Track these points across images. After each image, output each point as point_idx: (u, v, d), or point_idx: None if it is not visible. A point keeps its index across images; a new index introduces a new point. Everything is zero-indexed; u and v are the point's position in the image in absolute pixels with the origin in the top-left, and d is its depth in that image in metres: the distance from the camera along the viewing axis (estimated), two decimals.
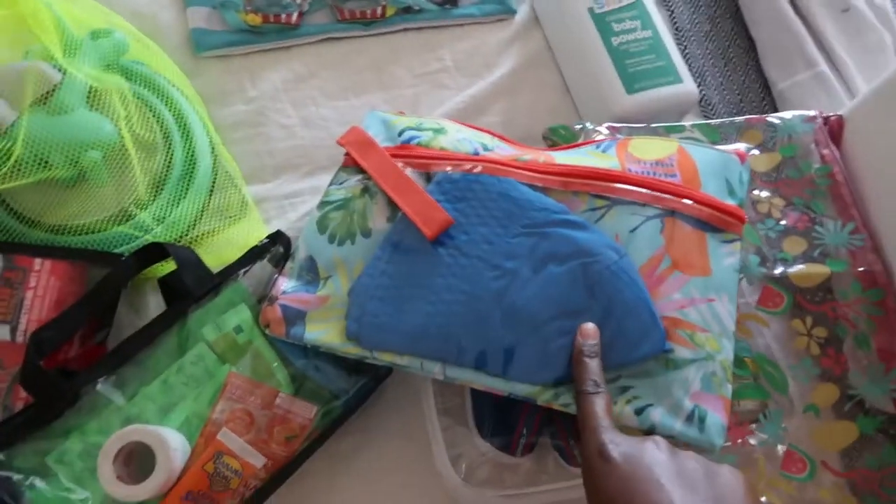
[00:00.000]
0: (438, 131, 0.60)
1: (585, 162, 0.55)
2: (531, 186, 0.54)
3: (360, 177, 0.59)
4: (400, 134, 0.60)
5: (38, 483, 0.52)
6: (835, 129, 0.65)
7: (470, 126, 0.62)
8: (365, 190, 0.58)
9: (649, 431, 0.46)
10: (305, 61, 0.75)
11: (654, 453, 0.39)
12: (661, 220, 0.51)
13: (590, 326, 0.48)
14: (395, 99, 0.75)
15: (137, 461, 0.53)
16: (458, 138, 0.59)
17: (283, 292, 0.56)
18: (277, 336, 0.56)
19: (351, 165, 0.60)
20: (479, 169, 0.55)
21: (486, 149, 0.58)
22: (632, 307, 0.49)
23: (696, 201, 0.51)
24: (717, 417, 0.46)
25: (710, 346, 0.47)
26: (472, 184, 0.55)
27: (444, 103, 0.75)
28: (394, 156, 0.58)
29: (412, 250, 0.54)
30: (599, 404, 0.43)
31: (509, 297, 0.51)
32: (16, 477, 0.51)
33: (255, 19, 0.74)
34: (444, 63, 0.78)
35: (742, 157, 0.55)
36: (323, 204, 0.59)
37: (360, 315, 0.54)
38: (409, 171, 0.57)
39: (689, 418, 0.46)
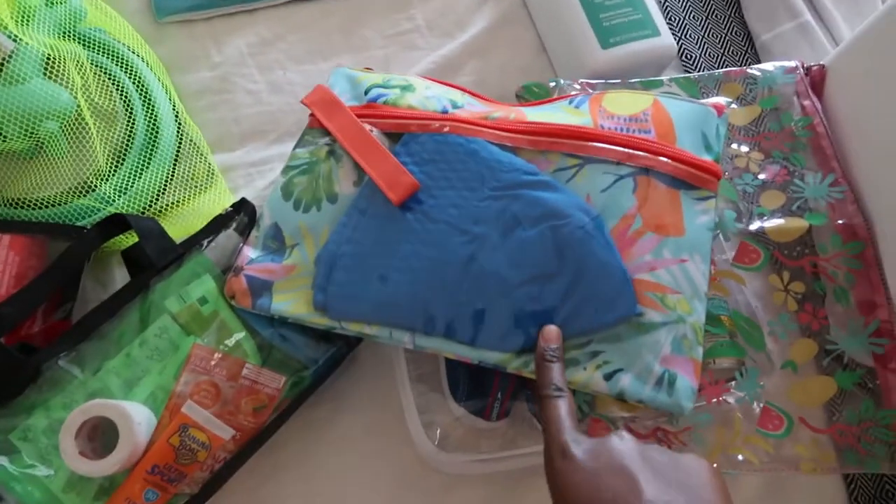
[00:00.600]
0: (406, 88, 0.58)
1: (557, 119, 0.53)
2: (501, 146, 0.52)
3: (325, 139, 0.57)
4: (366, 92, 0.58)
5: (2, 461, 0.51)
6: (816, 80, 0.63)
7: (440, 82, 0.60)
8: (331, 153, 0.56)
9: (619, 397, 0.45)
10: (271, 25, 0.73)
11: (618, 444, 0.38)
12: (634, 179, 0.49)
13: (552, 329, 0.47)
14: (365, 61, 0.73)
15: (103, 436, 0.52)
16: (427, 95, 0.57)
17: (249, 262, 0.55)
18: (244, 307, 0.55)
19: (316, 127, 0.58)
20: (447, 129, 0.54)
21: (455, 106, 0.56)
22: (602, 270, 0.47)
23: (670, 158, 0.49)
24: (686, 381, 0.45)
25: (681, 308, 0.46)
26: (440, 144, 0.53)
27: (415, 64, 0.73)
28: (360, 116, 0.56)
29: (379, 216, 0.53)
30: (562, 408, 0.42)
31: (478, 263, 0.50)
32: None
33: None
34: (415, 23, 0.76)
35: (720, 109, 0.53)
36: (287, 168, 0.57)
37: (326, 285, 0.53)
38: (375, 133, 0.55)
39: (659, 382, 0.45)
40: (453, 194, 0.52)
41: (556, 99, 0.57)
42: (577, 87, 0.62)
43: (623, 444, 0.39)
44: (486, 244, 0.50)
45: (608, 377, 0.45)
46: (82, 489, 0.51)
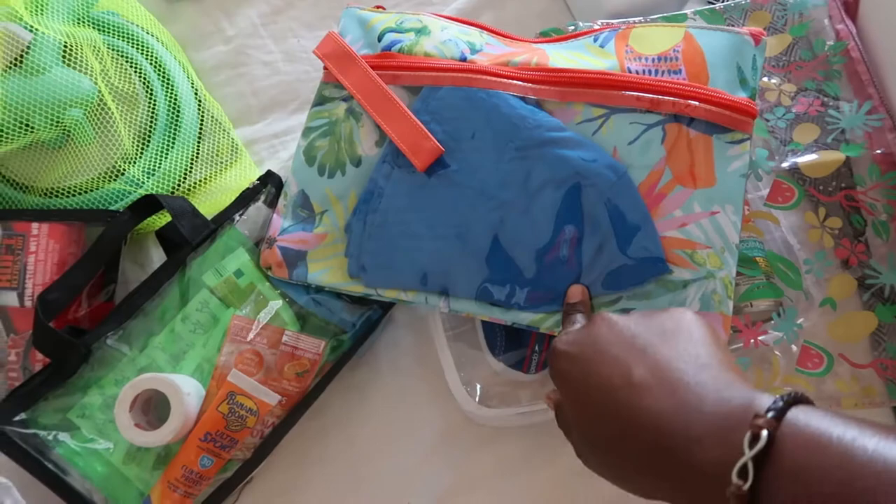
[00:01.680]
0: (421, 32, 0.55)
1: (581, 63, 0.51)
2: (523, 99, 0.51)
3: (342, 94, 0.56)
4: (380, 38, 0.56)
5: (63, 438, 0.54)
6: (850, 2, 0.60)
7: (455, 20, 0.57)
8: (349, 111, 0.55)
9: None
10: None
11: (605, 332, 0.37)
12: (663, 129, 0.48)
13: (576, 287, 0.47)
14: None
15: (155, 409, 0.55)
16: (443, 39, 0.54)
17: (281, 232, 0.56)
18: (281, 279, 0.56)
19: (332, 81, 0.57)
20: (466, 81, 0.52)
21: (473, 50, 0.54)
22: (631, 230, 0.47)
23: (702, 101, 0.47)
24: None
25: (711, 263, 0.45)
26: (461, 100, 0.52)
27: None
28: (375, 67, 0.54)
29: (404, 181, 0.53)
30: None
31: (507, 228, 0.50)
32: (42, 434, 0.53)
33: None
34: None
35: (757, 38, 0.50)
36: (308, 130, 0.57)
37: (358, 254, 0.53)
38: (392, 88, 0.54)
39: None
40: (478, 158, 0.51)
41: (580, 34, 0.54)
42: (597, 27, 0.60)
43: (611, 331, 0.37)
44: (514, 209, 0.50)
45: None
46: (141, 460, 0.54)
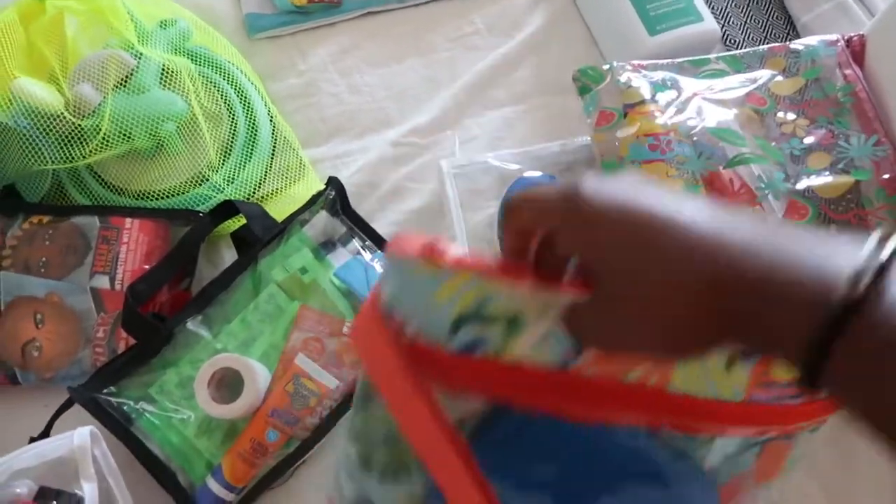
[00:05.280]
0: (514, 325, 0.33)
1: (705, 389, 0.37)
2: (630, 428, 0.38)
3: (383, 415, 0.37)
4: (455, 327, 0.33)
5: (145, 410, 0.59)
6: (857, 50, 0.67)
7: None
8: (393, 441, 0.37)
9: None
10: (349, 35, 0.82)
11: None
12: (761, 447, 0.41)
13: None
14: (432, 64, 0.81)
15: (226, 388, 0.60)
16: (542, 333, 0.33)
17: None
18: None
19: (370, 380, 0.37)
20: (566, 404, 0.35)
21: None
22: None
23: (810, 419, 0.40)
24: None
25: None
26: (548, 434, 0.36)
27: (477, 63, 0.80)
28: (441, 376, 0.34)
29: None
30: None
31: None
32: (128, 405, 0.59)
33: (301, 1, 0.81)
34: (475, 26, 0.83)
35: None
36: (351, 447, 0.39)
37: None
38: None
39: None
40: None
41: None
42: (629, 67, 0.68)
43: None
44: None
45: None
46: (211, 435, 0.59)
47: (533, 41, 0.82)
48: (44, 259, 0.64)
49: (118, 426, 0.57)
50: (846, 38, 0.68)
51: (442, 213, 0.72)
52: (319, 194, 0.66)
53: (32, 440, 0.56)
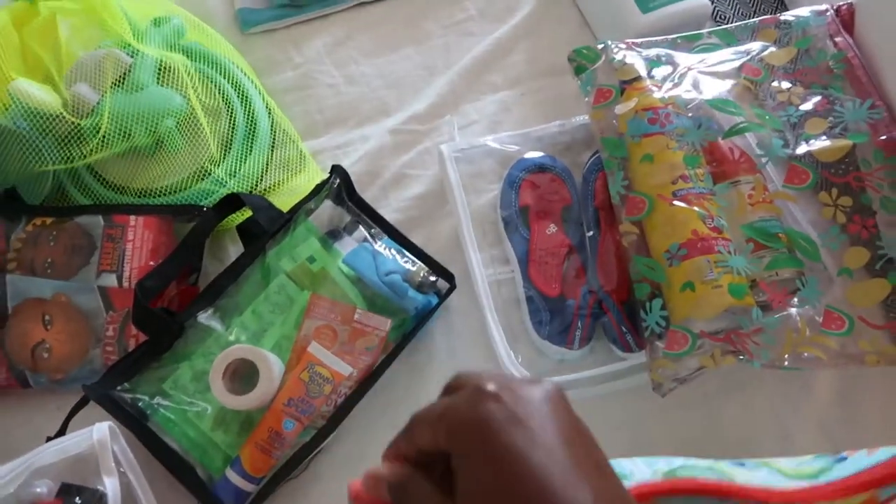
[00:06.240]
0: None
1: None
2: None
3: None
4: None
5: (159, 406, 0.59)
6: (846, 18, 0.68)
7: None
8: None
9: None
10: (343, 26, 0.82)
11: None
12: None
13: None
14: (427, 51, 0.81)
15: (240, 380, 0.60)
16: None
17: None
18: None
19: None
20: None
21: None
22: None
23: None
24: None
25: None
26: None
27: (472, 49, 0.81)
28: None
29: None
30: None
31: None
32: (143, 401, 0.59)
33: None
34: (468, 13, 0.84)
35: None
36: None
37: None
38: None
39: None
40: None
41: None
42: (623, 45, 0.69)
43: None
44: None
45: None
46: (227, 427, 0.59)
47: (526, 25, 0.82)
48: (49, 260, 0.64)
49: (134, 422, 0.57)
50: (835, 7, 0.69)
51: (444, 198, 0.72)
52: (324, 183, 0.66)
53: (49, 440, 0.56)
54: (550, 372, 0.64)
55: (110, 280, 0.63)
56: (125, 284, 0.63)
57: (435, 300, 0.65)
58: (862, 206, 0.60)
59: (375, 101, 0.78)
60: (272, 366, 0.59)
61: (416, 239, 0.68)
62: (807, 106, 0.64)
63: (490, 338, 0.64)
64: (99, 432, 0.52)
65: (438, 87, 0.78)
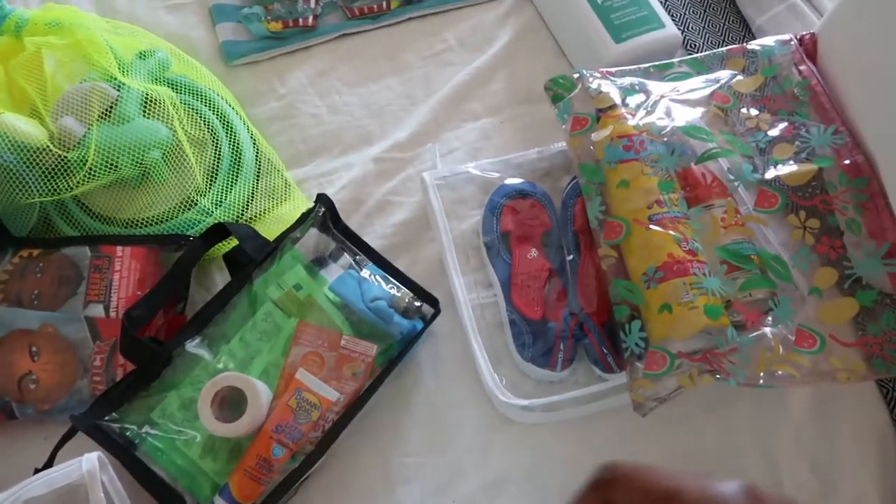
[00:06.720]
0: None
1: None
2: None
3: None
4: None
5: (148, 435, 0.60)
6: (809, 48, 0.72)
7: None
8: None
9: None
10: (325, 57, 0.84)
11: None
12: None
13: None
14: (408, 81, 0.83)
15: (228, 408, 0.61)
16: None
17: None
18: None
19: None
20: None
21: None
22: None
23: None
24: None
25: None
26: None
27: (451, 78, 0.83)
28: None
29: None
30: None
31: None
32: (131, 430, 0.59)
33: (276, 26, 0.83)
34: (448, 43, 0.86)
35: None
36: None
37: None
38: None
39: None
40: None
41: None
42: (598, 74, 0.71)
43: None
44: None
45: None
46: (216, 455, 0.60)
47: (504, 54, 0.85)
48: (36, 292, 0.64)
49: (123, 452, 0.57)
50: (798, 36, 0.72)
51: (427, 224, 0.74)
52: (309, 212, 0.67)
53: (37, 472, 0.56)
54: (534, 394, 0.65)
55: (97, 310, 0.63)
56: (112, 314, 0.63)
57: (420, 325, 0.66)
58: (829, 227, 0.62)
59: (358, 129, 0.80)
60: (260, 393, 0.59)
61: (400, 265, 0.69)
62: (774, 132, 0.67)
63: (474, 361, 0.65)
64: (88, 463, 0.52)
65: (420, 116, 0.80)
